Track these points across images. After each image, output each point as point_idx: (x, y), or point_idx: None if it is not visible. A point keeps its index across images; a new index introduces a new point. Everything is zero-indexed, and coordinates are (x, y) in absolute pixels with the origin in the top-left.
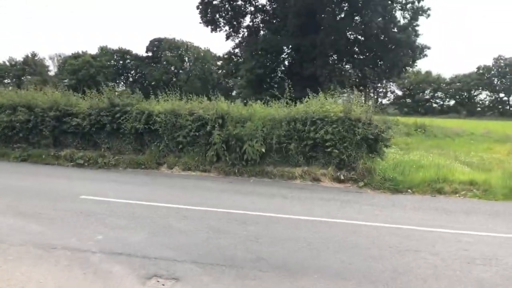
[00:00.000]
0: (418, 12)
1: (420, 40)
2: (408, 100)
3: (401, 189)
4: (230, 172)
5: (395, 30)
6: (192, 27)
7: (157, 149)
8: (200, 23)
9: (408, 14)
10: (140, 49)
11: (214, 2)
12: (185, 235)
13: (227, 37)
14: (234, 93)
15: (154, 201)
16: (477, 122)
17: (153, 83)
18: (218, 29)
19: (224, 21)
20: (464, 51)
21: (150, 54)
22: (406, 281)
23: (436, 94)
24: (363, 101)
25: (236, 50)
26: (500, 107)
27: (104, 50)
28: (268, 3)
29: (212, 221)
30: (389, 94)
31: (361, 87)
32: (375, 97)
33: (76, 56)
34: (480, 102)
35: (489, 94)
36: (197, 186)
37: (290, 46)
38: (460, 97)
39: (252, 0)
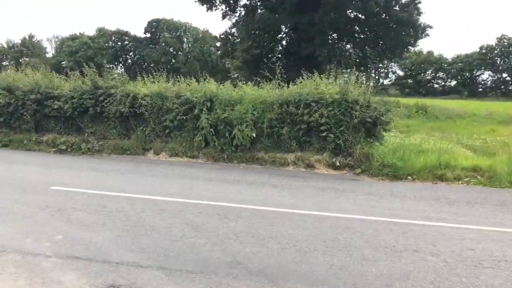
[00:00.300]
0: None
1: (422, 19)
2: (410, 81)
3: (400, 175)
4: (219, 158)
5: (397, 8)
6: (190, 7)
7: (143, 134)
8: (195, 1)
9: None
10: (138, 30)
11: None
12: (157, 233)
13: (223, 16)
14: (235, 75)
15: (132, 192)
16: (479, 103)
17: (152, 65)
18: (214, 8)
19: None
20: (467, 31)
21: (148, 35)
22: None
23: (437, 75)
24: (364, 82)
25: (233, 30)
26: (502, 87)
27: (101, 32)
28: None
29: (191, 215)
30: (390, 74)
31: (361, 68)
32: (377, 77)
33: (73, 38)
34: (482, 82)
35: (491, 74)
36: (182, 175)
37: (288, 25)
38: (462, 77)
39: None
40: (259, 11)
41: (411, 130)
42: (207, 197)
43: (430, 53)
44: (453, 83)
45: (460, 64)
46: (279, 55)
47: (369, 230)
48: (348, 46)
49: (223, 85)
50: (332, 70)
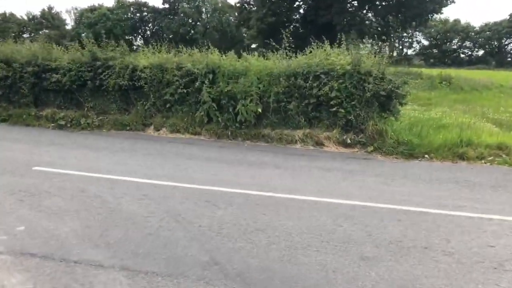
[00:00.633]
0: None
1: None
2: (435, 51)
3: (416, 154)
4: (223, 135)
5: None
6: None
7: (143, 109)
8: None
9: None
10: (157, 1)
11: None
12: (131, 223)
13: None
14: (253, 45)
15: (118, 173)
16: (507, 73)
17: (170, 36)
18: None
19: None
20: None
21: (167, 6)
22: None
23: (464, 44)
24: (386, 52)
25: None
26: None
27: (120, 3)
28: None
29: (175, 201)
30: (414, 44)
31: (383, 37)
32: (400, 47)
33: (92, 9)
34: (511, 51)
35: None
36: (180, 153)
37: None
38: (490, 46)
39: None
40: None
41: (432, 103)
42: (199, 180)
43: (456, 21)
44: (481, 52)
45: (488, 32)
46: (296, 24)
47: (374, 220)
48: (369, 14)
49: (226, 56)
50: (351, 40)
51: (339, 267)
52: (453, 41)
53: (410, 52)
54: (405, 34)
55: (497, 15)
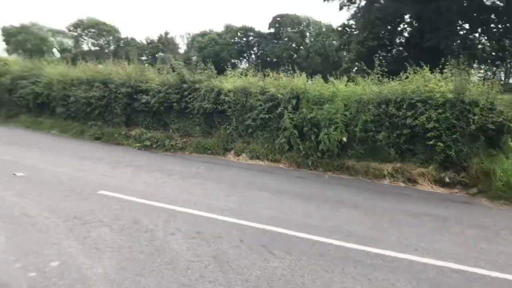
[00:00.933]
0: None
1: None
2: None
3: None
4: (303, 164)
5: None
6: (313, 1)
7: (225, 133)
8: None
9: None
10: (263, 26)
11: None
12: (170, 269)
13: (341, 7)
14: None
15: (181, 203)
16: None
17: (274, 60)
18: None
19: None
20: None
21: (272, 30)
22: None
23: None
24: (501, 78)
25: (351, 22)
26: None
27: (228, 28)
28: None
29: (228, 244)
30: None
31: (497, 62)
32: None
33: (203, 34)
34: None
35: None
36: (252, 183)
37: (410, 14)
38: None
39: None
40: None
41: None
42: (262, 218)
43: None
44: None
45: None
46: (400, 48)
47: None
48: (483, 39)
49: (312, 81)
50: (460, 63)
51: None
52: None
53: None
54: None
55: None
